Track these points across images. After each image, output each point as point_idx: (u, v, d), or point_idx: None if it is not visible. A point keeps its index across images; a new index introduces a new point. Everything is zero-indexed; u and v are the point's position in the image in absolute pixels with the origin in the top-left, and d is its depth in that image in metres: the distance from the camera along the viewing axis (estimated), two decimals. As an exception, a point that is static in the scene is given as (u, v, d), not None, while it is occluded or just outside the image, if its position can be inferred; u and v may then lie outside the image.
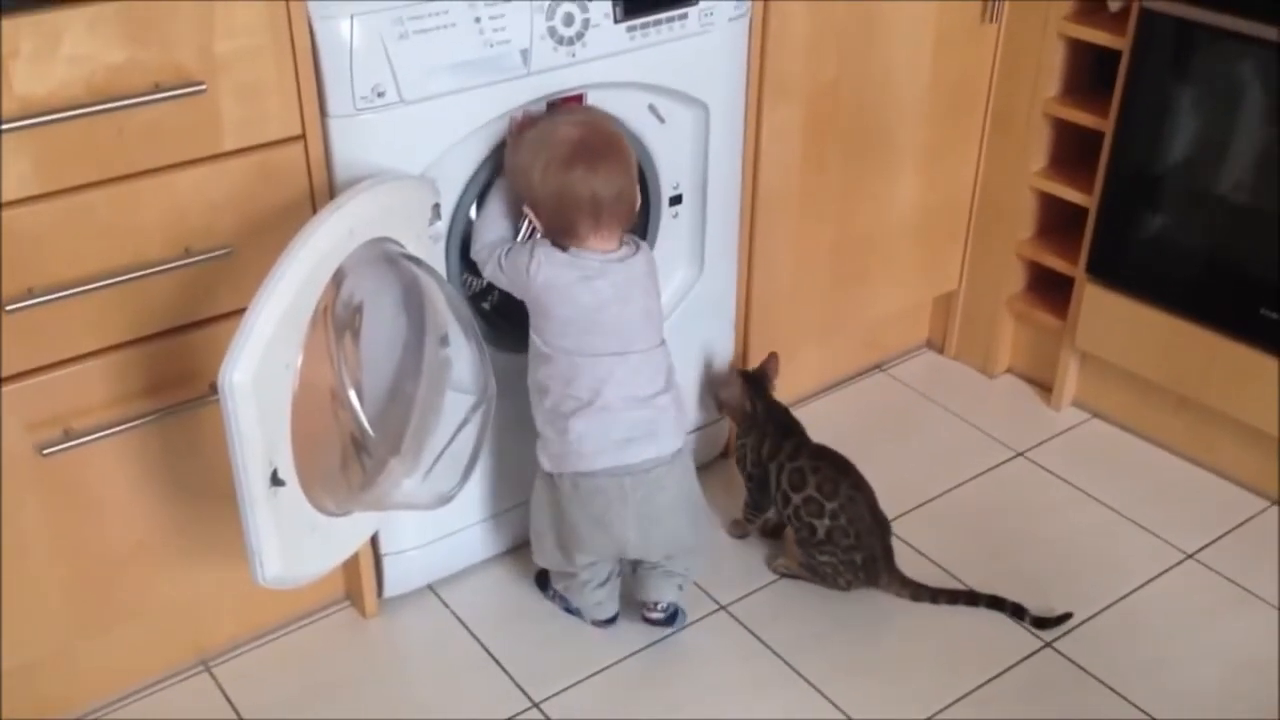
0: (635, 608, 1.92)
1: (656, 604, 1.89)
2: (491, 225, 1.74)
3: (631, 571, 1.91)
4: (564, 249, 1.70)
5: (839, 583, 1.95)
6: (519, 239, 1.76)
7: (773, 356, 2.08)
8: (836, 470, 1.93)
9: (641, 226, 1.91)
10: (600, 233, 1.70)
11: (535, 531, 1.87)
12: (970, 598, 1.96)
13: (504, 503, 1.99)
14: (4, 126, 1.35)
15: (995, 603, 1.95)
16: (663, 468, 1.75)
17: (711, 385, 2.12)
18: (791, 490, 1.95)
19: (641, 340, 1.74)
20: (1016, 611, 1.94)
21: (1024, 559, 2.07)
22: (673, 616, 1.90)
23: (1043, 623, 1.92)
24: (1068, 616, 1.93)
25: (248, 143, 1.53)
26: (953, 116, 2.29)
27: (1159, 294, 2.17)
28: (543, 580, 1.98)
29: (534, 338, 1.73)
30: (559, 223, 1.69)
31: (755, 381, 2.05)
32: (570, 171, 1.64)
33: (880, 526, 1.93)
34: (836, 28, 2.03)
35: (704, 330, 2.10)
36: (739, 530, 2.10)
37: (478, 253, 1.74)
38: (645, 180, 1.88)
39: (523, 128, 1.71)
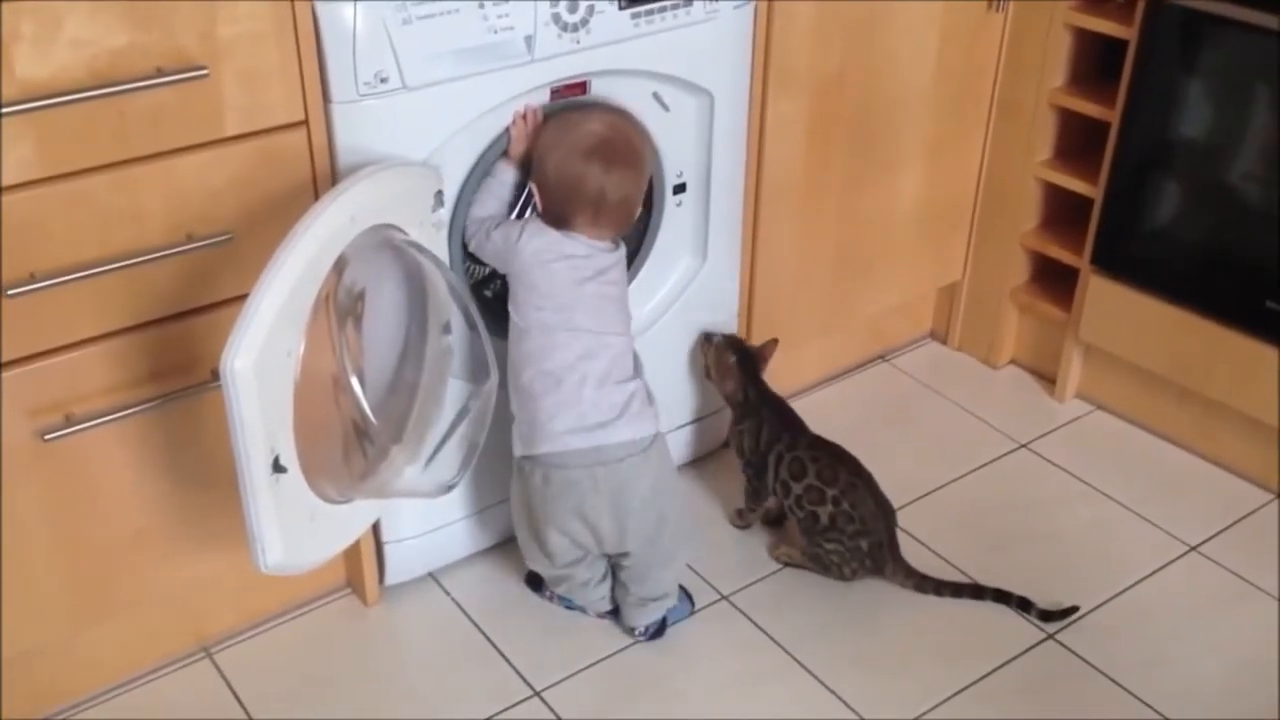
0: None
1: (634, 630, 1.89)
2: (485, 203, 1.75)
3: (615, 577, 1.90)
4: (557, 230, 1.72)
5: (843, 572, 1.95)
6: (512, 217, 1.77)
7: (772, 343, 2.07)
8: (834, 458, 1.94)
9: (645, 213, 1.91)
10: (592, 231, 1.72)
11: (521, 538, 1.87)
12: (975, 590, 1.95)
13: (507, 491, 1.97)
14: (5, 110, 1.34)
15: (1001, 596, 1.94)
16: (636, 457, 1.73)
17: (705, 352, 2.08)
18: (792, 479, 1.94)
19: (618, 325, 1.75)
20: (1023, 604, 1.93)
21: (1026, 551, 2.06)
22: (660, 629, 1.90)
23: (1049, 616, 1.92)
24: (1074, 610, 1.92)
25: (250, 128, 1.52)
26: (958, 106, 2.28)
27: (1164, 286, 2.16)
28: (534, 582, 1.97)
29: (512, 315, 1.73)
30: (558, 208, 1.71)
31: (747, 361, 2.03)
32: (586, 165, 1.68)
33: (885, 512, 1.93)
34: (841, 19, 2.03)
35: (706, 319, 2.09)
36: (742, 520, 2.10)
37: (467, 226, 1.75)
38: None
39: (530, 120, 1.72)
